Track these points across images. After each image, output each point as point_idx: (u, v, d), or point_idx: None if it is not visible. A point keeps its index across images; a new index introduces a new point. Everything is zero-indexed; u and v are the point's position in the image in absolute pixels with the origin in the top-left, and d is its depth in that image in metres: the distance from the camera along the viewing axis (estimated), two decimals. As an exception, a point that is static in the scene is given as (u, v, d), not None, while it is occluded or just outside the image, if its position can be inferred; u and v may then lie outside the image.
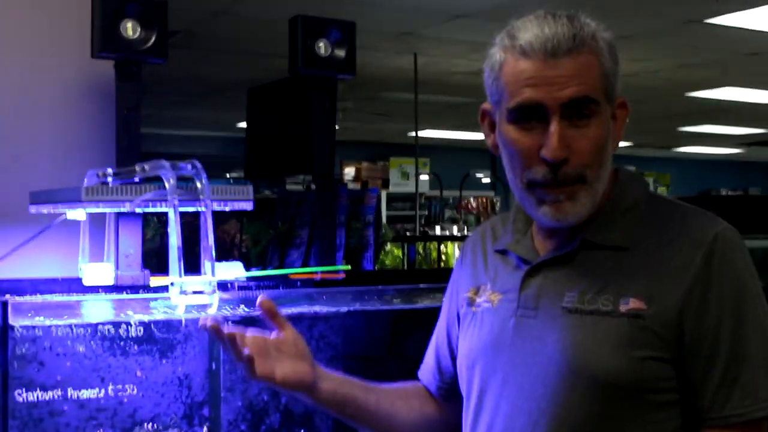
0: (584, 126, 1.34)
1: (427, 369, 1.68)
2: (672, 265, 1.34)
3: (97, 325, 2.19)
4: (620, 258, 1.38)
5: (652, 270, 1.35)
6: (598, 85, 1.36)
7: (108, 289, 2.27)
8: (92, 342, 2.20)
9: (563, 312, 1.38)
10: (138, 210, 2.08)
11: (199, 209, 2.01)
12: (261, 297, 1.52)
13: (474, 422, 1.47)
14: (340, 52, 2.70)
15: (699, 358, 1.32)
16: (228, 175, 9.42)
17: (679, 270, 1.33)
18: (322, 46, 2.68)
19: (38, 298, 2.16)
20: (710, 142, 13.90)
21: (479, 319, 1.50)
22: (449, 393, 1.63)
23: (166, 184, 1.98)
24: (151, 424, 2.27)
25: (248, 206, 2.12)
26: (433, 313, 1.69)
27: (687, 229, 1.37)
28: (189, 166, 2.02)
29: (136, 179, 2.12)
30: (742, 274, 1.34)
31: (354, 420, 1.60)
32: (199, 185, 2.01)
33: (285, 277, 2.48)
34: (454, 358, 1.60)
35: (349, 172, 12.66)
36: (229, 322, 1.51)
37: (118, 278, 2.28)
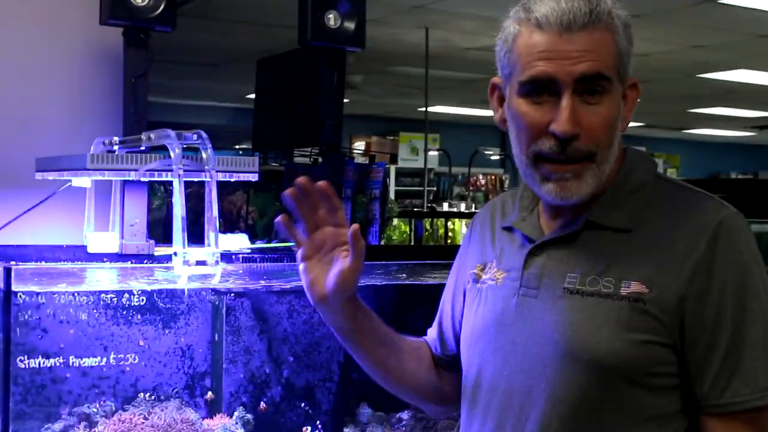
0: (595, 103, 1.33)
1: (430, 338, 1.67)
2: (676, 249, 1.33)
3: (100, 293, 2.20)
4: (624, 240, 1.37)
5: (655, 253, 1.34)
6: (612, 63, 1.34)
7: (112, 257, 2.27)
8: (95, 310, 2.20)
9: (564, 293, 1.37)
10: (143, 179, 2.07)
11: (204, 179, 2.00)
12: (355, 225, 1.45)
13: (472, 399, 1.47)
14: (350, 25, 2.68)
15: (699, 345, 1.31)
16: (237, 147, 9.40)
17: (682, 254, 1.32)
18: (331, 18, 2.66)
19: (42, 265, 2.16)
20: (721, 124, 13.81)
21: (483, 296, 1.49)
22: (449, 365, 1.62)
23: (171, 154, 1.97)
24: (152, 393, 2.28)
25: (253, 178, 2.11)
26: (440, 290, 1.68)
27: (692, 214, 1.36)
28: (194, 136, 2.01)
29: (143, 148, 2.11)
30: (747, 260, 1.33)
31: (356, 358, 1.58)
32: (204, 155, 2.00)
33: (290, 249, 2.47)
34: (456, 335, 1.59)
35: (359, 146, 12.63)
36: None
37: (123, 247, 2.27)
